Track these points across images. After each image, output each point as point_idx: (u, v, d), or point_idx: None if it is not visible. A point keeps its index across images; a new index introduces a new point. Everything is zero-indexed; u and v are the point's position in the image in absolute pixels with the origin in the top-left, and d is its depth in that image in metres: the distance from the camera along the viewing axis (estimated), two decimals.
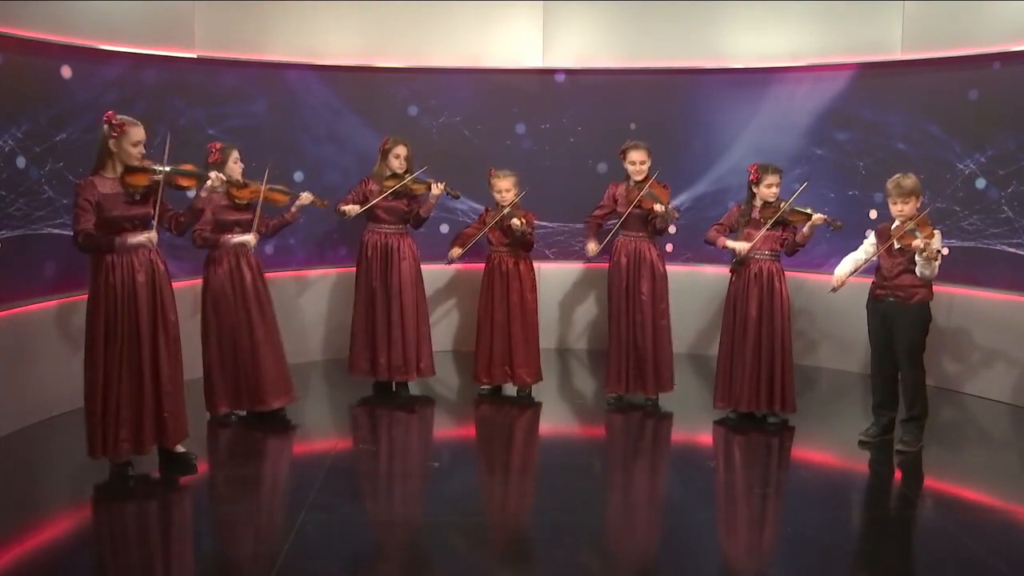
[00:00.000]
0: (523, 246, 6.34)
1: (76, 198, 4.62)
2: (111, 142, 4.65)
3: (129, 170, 4.71)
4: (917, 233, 5.13)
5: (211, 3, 6.70)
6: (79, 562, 4.06)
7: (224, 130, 6.70)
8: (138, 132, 4.69)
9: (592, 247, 6.24)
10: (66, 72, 5.84)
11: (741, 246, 5.72)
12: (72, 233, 4.67)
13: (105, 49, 6.05)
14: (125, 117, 4.67)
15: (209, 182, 4.95)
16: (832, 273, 5.53)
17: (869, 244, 5.52)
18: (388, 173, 6.30)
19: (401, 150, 6.33)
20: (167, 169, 4.76)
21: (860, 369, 7.03)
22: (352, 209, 6.26)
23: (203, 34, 6.66)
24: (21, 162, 5.55)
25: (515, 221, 6.11)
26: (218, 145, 5.63)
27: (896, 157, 6.87)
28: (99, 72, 6.03)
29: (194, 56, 6.64)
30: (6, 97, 5.45)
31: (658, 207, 5.89)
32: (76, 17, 5.88)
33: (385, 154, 6.34)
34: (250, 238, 5.66)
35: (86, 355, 4.75)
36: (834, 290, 5.45)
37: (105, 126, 4.64)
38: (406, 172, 6.32)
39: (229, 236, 5.64)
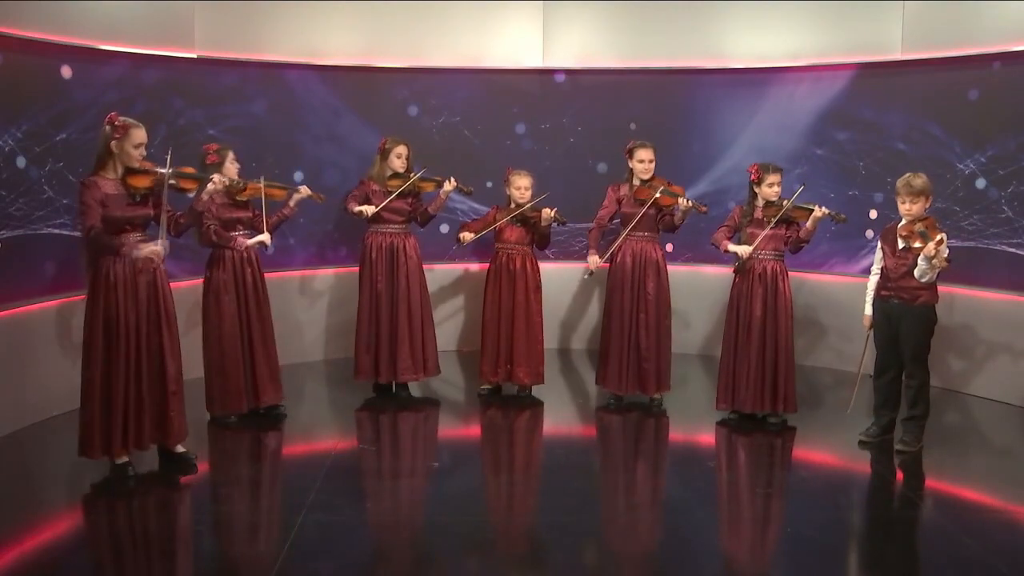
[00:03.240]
0: (542, 241, 6.34)
1: (81, 196, 4.62)
2: (113, 143, 4.65)
3: (131, 172, 4.71)
4: (927, 236, 5.10)
5: (211, 3, 6.70)
6: (78, 563, 4.05)
7: (224, 130, 6.71)
8: (140, 134, 4.70)
9: (594, 260, 6.15)
10: (66, 72, 5.84)
11: (743, 250, 5.71)
12: (81, 230, 4.66)
13: (105, 49, 6.05)
14: (127, 119, 4.69)
15: (211, 185, 4.98)
16: (834, 273, 5.53)
17: (879, 254, 5.49)
18: (390, 173, 6.29)
19: (402, 149, 6.30)
20: (169, 171, 4.77)
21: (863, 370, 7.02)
22: (368, 209, 6.20)
23: (203, 34, 6.66)
24: (21, 162, 5.55)
25: (546, 211, 6.10)
26: (215, 146, 5.62)
27: (896, 157, 6.87)
28: (99, 72, 6.03)
29: (194, 56, 6.63)
30: (6, 97, 5.45)
31: (682, 201, 5.88)
32: (76, 17, 5.88)
33: (386, 154, 6.31)
34: (266, 238, 5.70)
35: (84, 355, 4.75)
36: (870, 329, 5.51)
37: (107, 127, 4.65)
38: (408, 171, 6.32)
39: (242, 237, 5.67)
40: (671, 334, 6.23)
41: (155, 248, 4.72)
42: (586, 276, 6.38)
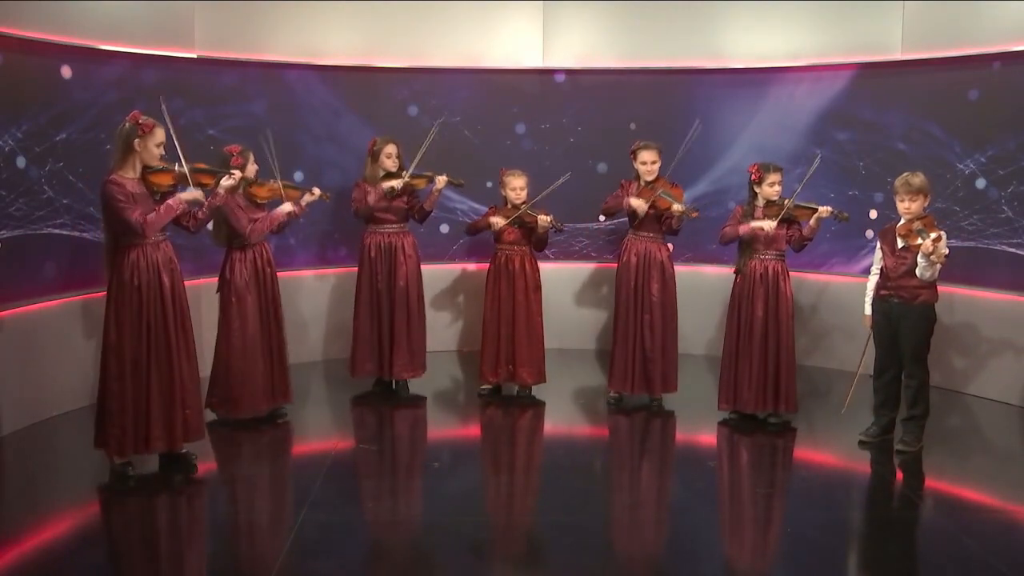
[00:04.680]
0: (539, 243, 6.34)
1: (114, 194, 4.61)
2: (136, 141, 4.67)
3: (151, 170, 4.75)
4: (925, 235, 5.11)
5: (211, 3, 6.70)
6: (80, 562, 4.05)
7: (224, 130, 6.70)
8: (161, 133, 4.75)
9: (637, 202, 5.95)
10: (66, 72, 5.84)
11: (769, 224, 5.65)
12: (133, 225, 4.61)
13: (105, 49, 6.04)
14: (150, 118, 4.71)
15: (229, 180, 5.02)
16: (835, 272, 5.53)
17: (879, 254, 5.50)
18: (382, 173, 6.30)
19: (392, 148, 6.32)
20: (187, 168, 4.80)
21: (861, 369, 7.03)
22: (396, 183, 6.22)
23: (203, 34, 6.66)
24: (21, 162, 5.55)
25: (542, 217, 6.11)
26: (238, 148, 5.65)
27: (896, 157, 6.87)
28: (99, 72, 6.03)
29: (194, 56, 6.64)
30: (6, 97, 5.45)
31: (676, 207, 5.87)
32: (76, 17, 5.88)
33: (376, 155, 6.32)
34: (290, 206, 5.78)
35: (107, 354, 4.73)
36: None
37: (130, 125, 4.68)
38: (400, 169, 6.33)
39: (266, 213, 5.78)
40: (678, 335, 6.23)
41: (195, 193, 4.79)
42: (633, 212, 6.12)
